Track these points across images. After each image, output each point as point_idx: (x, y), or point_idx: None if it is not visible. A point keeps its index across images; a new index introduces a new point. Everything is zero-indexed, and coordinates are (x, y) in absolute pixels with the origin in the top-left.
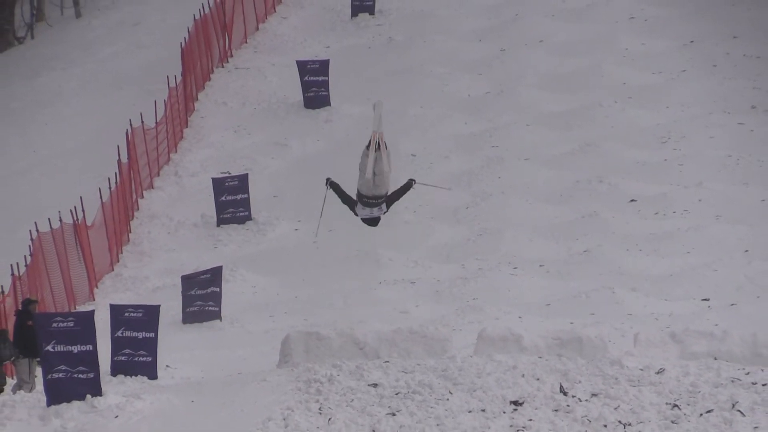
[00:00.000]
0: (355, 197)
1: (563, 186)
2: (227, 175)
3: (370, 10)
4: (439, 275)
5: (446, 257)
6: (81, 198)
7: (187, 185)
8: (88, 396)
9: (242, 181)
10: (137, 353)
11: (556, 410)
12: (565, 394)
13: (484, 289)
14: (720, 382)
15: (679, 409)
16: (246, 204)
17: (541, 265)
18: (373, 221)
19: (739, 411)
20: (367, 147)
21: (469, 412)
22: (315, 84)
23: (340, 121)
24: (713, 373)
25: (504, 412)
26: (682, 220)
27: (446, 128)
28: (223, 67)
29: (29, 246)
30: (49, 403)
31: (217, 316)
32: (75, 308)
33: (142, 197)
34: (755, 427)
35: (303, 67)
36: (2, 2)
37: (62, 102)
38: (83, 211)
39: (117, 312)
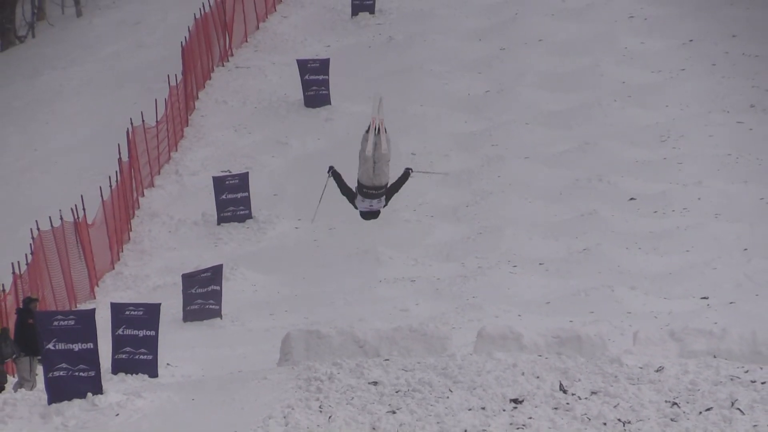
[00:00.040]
0: (355, 189)
1: (563, 184)
2: (228, 173)
3: (371, 10)
4: (439, 273)
5: (446, 256)
6: (82, 196)
7: (188, 184)
8: (89, 394)
9: (243, 180)
10: (138, 351)
11: (555, 408)
12: (564, 392)
13: (483, 287)
14: (719, 380)
15: (679, 407)
16: (246, 202)
17: (540, 264)
18: (371, 215)
19: (738, 409)
20: (367, 131)
21: (469, 410)
22: (315, 83)
23: (341, 119)
24: (712, 371)
25: (504, 410)
26: (682, 218)
27: (446, 127)
28: (223, 65)
29: (30, 244)
30: (50, 401)
31: (217, 314)
32: (76, 306)
33: (143, 196)
34: (754, 425)
35: (303, 66)
36: (3, 1)
37: (63, 101)
38: (84, 209)
39: (118, 310)
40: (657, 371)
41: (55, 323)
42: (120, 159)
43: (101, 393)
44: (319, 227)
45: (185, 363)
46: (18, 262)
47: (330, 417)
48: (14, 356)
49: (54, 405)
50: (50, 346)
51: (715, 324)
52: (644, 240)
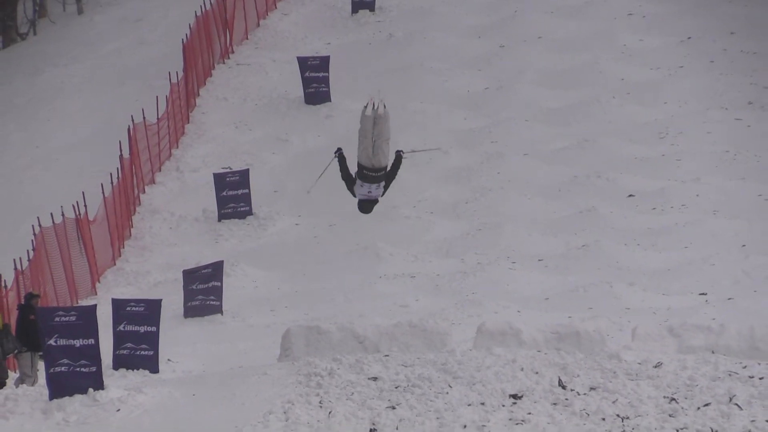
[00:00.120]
0: (355, 175)
1: (562, 181)
2: (228, 170)
3: (371, 7)
4: (439, 270)
5: (446, 252)
6: (83, 193)
7: (189, 180)
8: (90, 389)
9: (243, 177)
10: (139, 347)
11: (554, 404)
12: (563, 387)
13: (483, 283)
14: (717, 376)
15: (677, 402)
16: (247, 199)
17: (539, 260)
18: (369, 206)
19: (736, 404)
20: (365, 107)
21: (469, 405)
22: (315, 80)
23: (341, 116)
24: (711, 367)
25: (503, 406)
26: (680, 215)
27: (446, 124)
28: (224, 63)
29: (32, 241)
30: (52, 397)
31: (218, 310)
32: (77, 302)
33: (144, 192)
34: (752, 420)
35: (303, 63)
36: None
37: (64, 98)
38: (85, 206)
39: (119, 306)
40: (655, 367)
41: (57, 319)
42: (121, 156)
43: (102, 388)
44: (319, 224)
45: (186, 359)
46: (20, 258)
47: (330, 412)
48: (15, 352)
49: (55, 400)
50: (52, 341)
51: (714, 320)
52: (643, 236)
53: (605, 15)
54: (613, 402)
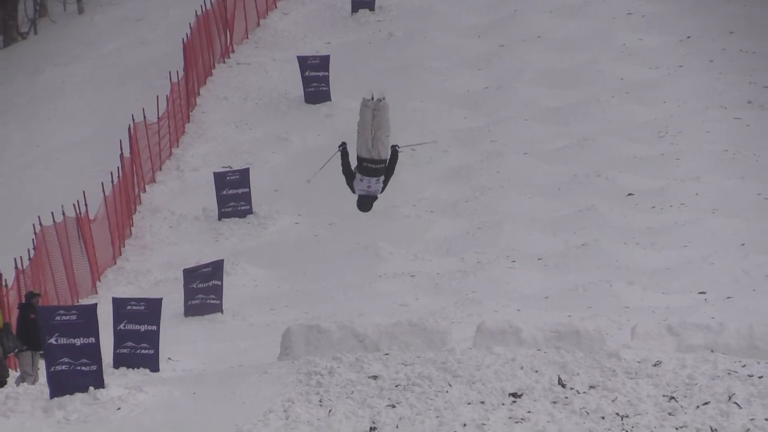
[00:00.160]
0: (354, 169)
1: (561, 180)
2: (228, 169)
3: (371, 6)
4: (439, 268)
5: (446, 251)
6: (84, 192)
7: (189, 179)
8: (91, 388)
9: (243, 175)
10: (139, 346)
11: (554, 402)
12: (563, 386)
13: (483, 282)
14: (716, 375)
15: (676, 401)
16: (247, 198)
17: (539, 259)
18: (368, 202)
19: (735, 403)
20: (365, 99)
21: (469, 404)
22: (315, 79)
23: (341, 115)
24: (710, 366)
25: (503, 404)
26: (679, 213)
27: (445, 123)
28: (224, 62)
29: (33, 240)
30: (52, 395)
31: (218, 309)
32: (78, 301)
33: (145, 191)
34: (751, 419)
35: (304, 62)
36: None
37: (65, 97)
38: (86, 205)
39: (119, 305)
40: (655, 365)
41: (57, 318)
42: (122, 155)
43: (103, 387)
44: (320, 223)
45: (186, 357)
46: (20, 257)
47: (330, 411)
48: (16, 350)
49: (56, 399)
50: (52, 340)
51: (713, 319)
52: (642, 235)
53: (604, 14)
54: (613, 400)
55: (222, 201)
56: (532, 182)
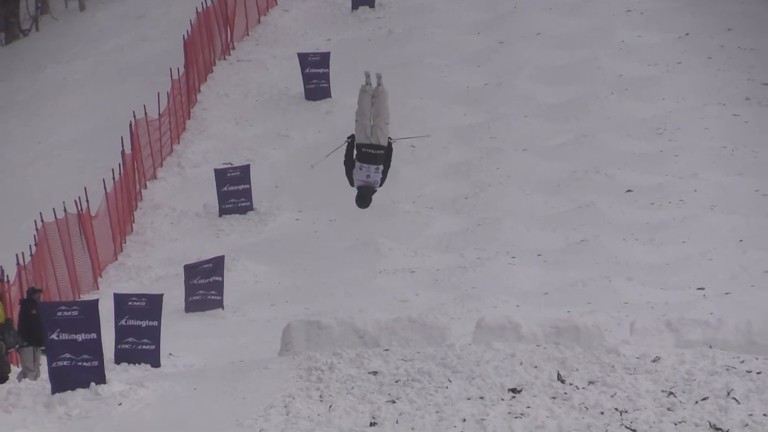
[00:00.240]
0: (354, 158)
1: (560, 176)
2: (229, 165)
3: (371, 3)
4: (439, 265)
5: (445, 247)
6: (85, 188)
7: (190, 176)
8: (92, 384)
9: (244, 172)
10: (140, 341)
11: (553, 398)
12: (562, 381)
13: (482, 278)
14: (715, 370)
15: (675, 396)
16: (248, 194)
17: (538, 255)
18: (366, 195)
19: (734, 399)
20: (363, 86)
21: (468, 399)
22: (316, 76)
23: (341, 112)
24: (708, 361)
25: (502, 400)
26: (678, 210)
27: (445, 120)
28: (225, 59)
29: (34, 236)
30: (54, 391)
31: (219, 304)
32: (79, 297)
33: (146, 188)
34: (750, 414)
35: (304, 59)
36: None
37: (66, 94)
38: (87, 201)
39: (120, 301)
40: (653, 361)
41: (59, 314)
42: (123, 151)
43: (104, 382)
44: (320, 219)
45: (187, 353)
46: (22, 253)
47: (330, 406)
48: (17, 346)
49: (57, 394)
50: (54, 336)
51: (711, 314)
52: (641, 231)
53: (603, 11)
54: (612, 396)
55: (222, 197)
56: (531, 179)
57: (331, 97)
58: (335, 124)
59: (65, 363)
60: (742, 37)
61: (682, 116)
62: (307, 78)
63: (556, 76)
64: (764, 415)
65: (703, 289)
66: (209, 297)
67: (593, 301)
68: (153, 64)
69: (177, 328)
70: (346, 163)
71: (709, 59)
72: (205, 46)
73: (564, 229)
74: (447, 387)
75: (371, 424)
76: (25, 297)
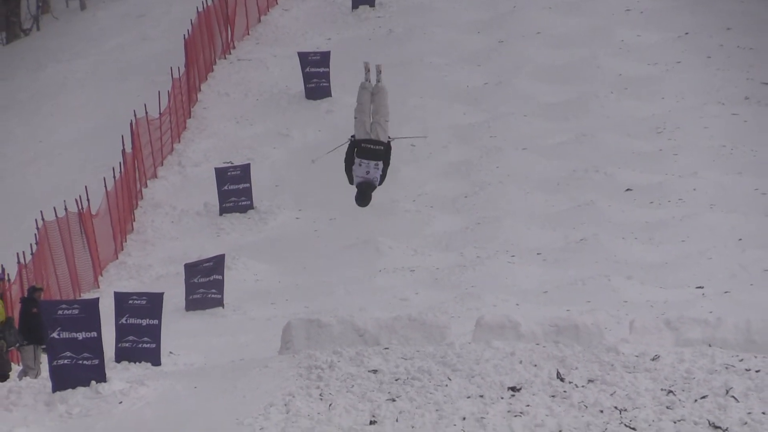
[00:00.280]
0: (354, 155)
1: (560, 175)
2: (230, 164)
3: (371, 3)
4: (438, 263)
5: (445, 246)
6: (86, 187)
7: (190, 175)
8: (93, 382)
9: (244, 171)
10: (141, 340)
11: (553, 396)
12: (562, 380)
13: (482, 276)
14: (714, 369)
15: (674, 394)
16: (248, 193)
17: (538, 254)
18: (366, 192)
19: (733, 397)
20: (362, 83)
21: (468, 397)
22: (316, 75)
23: (341, 111)
24: (708, 360)
25: (502, 398)
26: (677, 209)
27: (445, 119)
28: (225, 58)
29: (35, 234)
30: (55, 389)
31: (219, 303)
32: (80, 296)
33: (146, 186)
34: (749, 413)
35: (304, 58)
36: None
37: (67, 93)
38: (88, 200)
39: (121, 299)
40: (653, 360)
41: (60, 312)
42: (123, 150)
43: (105, 381)
44: (320, 218)
45: (188, 351)
46: (23, 251)
47: (330, 404)
48: (18, 345)
49: (58, 393)
50: (55, 334)
51: (710, 313)
52: (640, 230)
53: (603, 11)
54: (611, 394)
55: (223, 196)
56: (531, 177)
57: (331, 96)
58: (335, 123)
59: (66, 361)
60: (742, 36)
61: (682, 115)
62: (307, 77)
63: (556, 76)
64: (763, 413)
65: (703, 287)
66: (209, 295)
67: (593, 300)
68: (154, 63)
69: (177, 327)
70: (346, 161)
71: (709, 58)
72: (206, 45)
73: (563, 228)
74: (447, 385)
75: (371, 423)
76: (25, 295)
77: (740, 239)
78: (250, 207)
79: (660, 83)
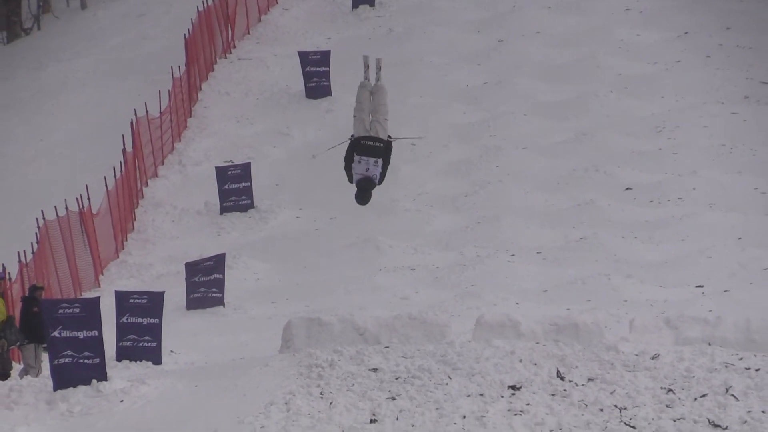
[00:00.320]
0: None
1: (560, 174)
2: (230, 163)
3: (371, 2)
4: (438, 262)
5: (445, 244)
6: (87, 186)
7: (191, 174)
8: (94, 381)
9: (245, 170)
10: (142, 339)
11: (553, 395)
12: (562, 378)
13: (482, 275)
14: (714, 367)
15: (674, 393)
16: (248, 192)
17: (538, 252)
18: (366, 189)
19: (732, 395)
20: (362, 82)
21: (468, 396)
22: (316, 74)
23: (341, 110)
24: (707, 359)
25: (502, 397)
26: (677, 208)
27: (445, 118)
28: (225, 57)
29: (36, 233)
30: (56, 388)
31: (220, 302)
32: (81, 295)
33: (147, 185)
34: (748, 411)
35: (304, 57)
36: None
37: (68, 92)
38: (89, 199)
39: (122, 298)
40: (653, 358)
41: (61, 311)
42: (124, 149)
43: (106, 380)
44: (320, 217)
45: (188, 350)
46: (24, 250)
47: (331, 403)
48: (19, 344)
49: (59, 391)
50: (56, 333)
51: (710, 312)
52: (640, 229)
53: (603, 10)
54: (611, 393)
55: (224, 195)
56: (531, 176)
57: (331, 95)
58: (336, 123)
59: (67, 360)
60: (741, 35)
61: (681, 114)
62: (307, 76)
63: (556, 75)
64: (763, 411)
65: (702, 286)
66: (210, 294)
67: (592, 299)
68: (154, 62)
69: (178, 326)
70: (346, 159)
71: (708, 58)
72: (206, 44)
73: (563, 227)
74: (447, 384)
75: (371, 421)
76: (26, 294)
77: (740, 238)
78: (251, 206)
79: (659, 82)
